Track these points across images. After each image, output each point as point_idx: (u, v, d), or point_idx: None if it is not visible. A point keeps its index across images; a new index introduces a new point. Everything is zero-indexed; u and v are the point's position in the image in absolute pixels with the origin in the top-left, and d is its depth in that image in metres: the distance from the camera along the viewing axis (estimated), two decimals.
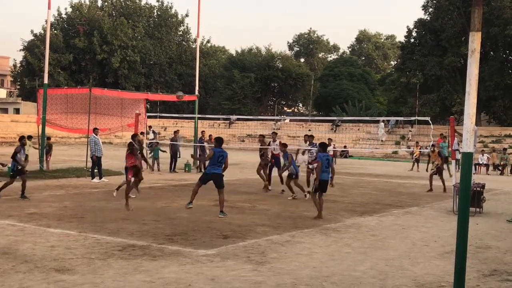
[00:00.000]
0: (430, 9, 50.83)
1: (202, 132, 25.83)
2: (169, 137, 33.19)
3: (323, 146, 13.77)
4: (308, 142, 18.78)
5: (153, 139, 26.01)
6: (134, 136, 14.82)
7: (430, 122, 20.97)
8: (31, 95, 54.18)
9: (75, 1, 64.13)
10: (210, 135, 25.87)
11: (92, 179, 19.73)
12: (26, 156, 15.87)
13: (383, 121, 44.62)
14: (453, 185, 14.93)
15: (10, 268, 7.89)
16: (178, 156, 24.71)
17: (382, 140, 45.39)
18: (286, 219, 12.74)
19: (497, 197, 18.66)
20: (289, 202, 15.76)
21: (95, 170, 19.92)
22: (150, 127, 27.03)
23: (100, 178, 19.79)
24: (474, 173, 21.56)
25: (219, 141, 13.44)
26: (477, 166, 29.74)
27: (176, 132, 25.61)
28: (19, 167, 14.72)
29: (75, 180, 19.74)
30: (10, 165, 15.45)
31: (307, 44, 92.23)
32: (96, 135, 20.08)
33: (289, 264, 8.59)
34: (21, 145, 14.98)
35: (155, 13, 68.10)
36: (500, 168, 30.53)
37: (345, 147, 41.19)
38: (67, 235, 10.23)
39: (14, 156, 14.64)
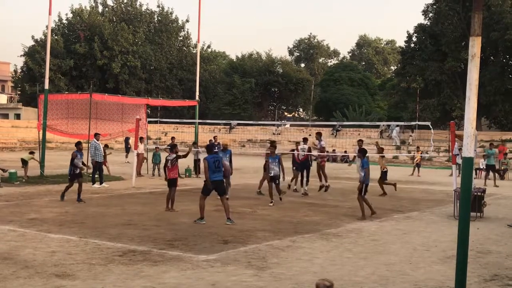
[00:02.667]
0: (430, 14, 50.81)
1: (214, 137, 25.73)
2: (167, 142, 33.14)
3: (364, 152, 14.40)
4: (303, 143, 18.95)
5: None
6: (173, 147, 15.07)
7: (431, 127, 20.97)
8: (32, 101, 54.13)
9: (76, 6, 64.27)
10: (215, 137, 25.83)
11: (93, 184, 19.73)
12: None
13: (397, 125, 44.73)
14: (454, 190, 14.92)
15: (10, 274, 7.89)
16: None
17: (398, 144, 45.33)
18: (287, 224, 12.73)
19: (498, 202, 18.63)
20: (289, 207, 15.75)
21: (96, 176, 19.92)
22: (194, 143, 26.26)
23: (101, 183, 19.79)
24: (474, 178, 21.54)
25: (209, 148, 13.59)
26: (477, 171, 29.70)
27: (173, 139, 25.81)
28: (76, 171, 15.55)
29: (75, 186, 19.70)
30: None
31: (307, 49, 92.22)
32: (97, 140, 20.08)
33: (290, 269, 8.59)
34: (77, 150, 15.77)
35: (156, 19, 68.09)
36: (501, 172, 30.47)
37: (345, 152, 41.17)
38: (68, 240, 10.23)
39: (72, 161, 15.58)
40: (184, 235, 10.94)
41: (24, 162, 21.32)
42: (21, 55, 62.51)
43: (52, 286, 7.38)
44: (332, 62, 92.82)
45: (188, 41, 70.45)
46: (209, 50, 74.56)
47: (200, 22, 29.38)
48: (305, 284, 7.79)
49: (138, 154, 22.21)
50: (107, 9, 65.61)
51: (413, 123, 32.09)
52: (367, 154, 14.69)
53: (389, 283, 7.96)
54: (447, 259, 9.49)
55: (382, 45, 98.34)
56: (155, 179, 23.30)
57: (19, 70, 64.85)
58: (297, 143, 19.47)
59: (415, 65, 49.82)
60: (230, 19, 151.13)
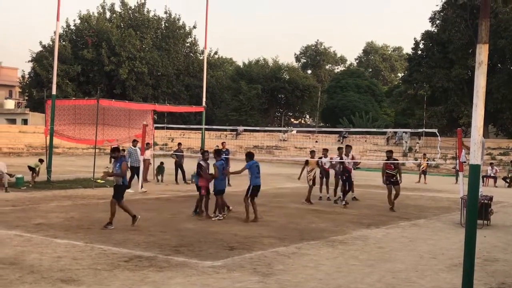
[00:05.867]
0: (438, 21, 50.83)
1: (223, 143, 25.64)
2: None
3: (249, 156, 14.05)
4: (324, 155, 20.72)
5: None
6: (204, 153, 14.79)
7: (438, 134, 20.91)
8: (39, 106, 54.33)
9: (84, 12, 64.60)
10: (223, 143, 25.75)
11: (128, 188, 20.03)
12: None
13: (406, 133, 44.59)
14: (461, 197, 14.85)
15: (16, 279, 7.90)
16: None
17: (406, 152, 45.18)
18: (292, 231, 12.70)
19: (505, 210, 18.54)
20: (295, 213, 15.71)
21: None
22: (230, 150, 26.13)
23: (140, 187, 20.16)
24: (482, 185, 21.45)
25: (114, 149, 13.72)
26: (485, 178, 29.59)
27: (179, 144, 25.85)
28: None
29: (82, 191, 19.78)
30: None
31: (314, 56, 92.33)
32: (134, 147, 21.12)
33: (296, 276, 8.56)
34: (203, 159, 14.63)
35: (163, 25, 68.36)
36: (508, 180, 30.35)
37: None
38: (74, 245, 10.24)
39: (198, 173, 14.56)
40: (189, 241, 10.94)
41: (32, 169, 21.33)
42: (28, 61, 62.95)
43: None
44: (339, 68, 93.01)
45: (195, 47, 70.71)
46: (216, 56, 74.80)
47: (207, 29, 29.50)
48: None
49: (144, 160, 22.23)
50: (114, 15, 65.95)
51: (420, 130, 32.00)
52: (254, 157, 14.19)
53: None
54: (454, 267, 9.44)
55: (389, 52, 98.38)
56: (160, 184, 23.32)
57: (26, 76, 65.22)
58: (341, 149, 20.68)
59: (422, 72, 49.78)
60: (237, 25, 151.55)
